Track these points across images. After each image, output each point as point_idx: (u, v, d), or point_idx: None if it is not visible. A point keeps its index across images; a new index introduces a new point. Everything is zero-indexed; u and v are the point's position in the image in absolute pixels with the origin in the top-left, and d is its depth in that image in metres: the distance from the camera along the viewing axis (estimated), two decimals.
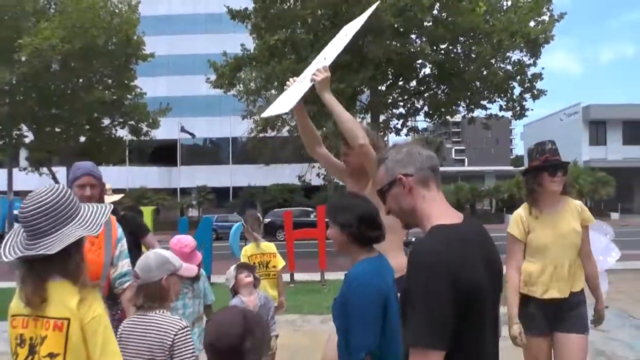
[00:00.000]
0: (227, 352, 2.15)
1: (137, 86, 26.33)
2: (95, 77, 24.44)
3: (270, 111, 3.99)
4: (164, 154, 47.01)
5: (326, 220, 2.84)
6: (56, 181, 24.73)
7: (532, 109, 22.29)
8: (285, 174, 41.14)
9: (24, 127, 24.27)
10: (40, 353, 2.17)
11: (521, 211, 4.00)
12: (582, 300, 3.89)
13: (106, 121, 26.51)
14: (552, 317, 3.82)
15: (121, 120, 26.81)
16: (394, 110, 23.48)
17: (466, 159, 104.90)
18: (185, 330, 2.79)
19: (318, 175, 35.12)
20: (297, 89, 3.74)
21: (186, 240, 4.23)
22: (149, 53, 26.29)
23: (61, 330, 2.16)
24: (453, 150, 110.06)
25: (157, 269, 2.89)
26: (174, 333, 2.73)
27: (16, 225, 2.33)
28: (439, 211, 2.04)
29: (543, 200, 3.86)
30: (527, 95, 21.29)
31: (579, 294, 3.88)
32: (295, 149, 35.31)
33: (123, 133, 27.93)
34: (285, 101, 3.77)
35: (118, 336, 2.67)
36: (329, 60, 3.70)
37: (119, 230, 3.79)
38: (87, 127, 25.63)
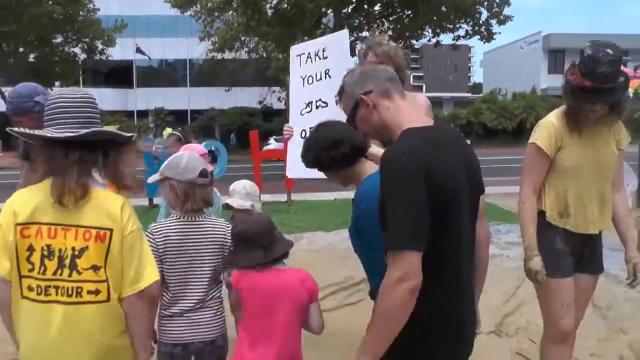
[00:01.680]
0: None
1: (90, 1, 25.14)
2: None
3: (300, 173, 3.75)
4: (119, 75, 45.60)
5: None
6: (6, 102, 23.78)
7: (500, 32, 22.05)
8: (245, 97, 40.57)
9: None
10: (79, 266, 2.05)
11: (554, 119, 3.12)
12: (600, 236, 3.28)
13: (59, 38, 25.33)
14: (579, 255, 3.19)
15: (74, 37, 25.67)
16: (359, 34, 23.06)
17: (424, 86, 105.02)
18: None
19: (279, 99, 34.82)
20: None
21: (199, 148, 4.29)
22: None
23: (103, 242, 2.07)
24: (411, 76, 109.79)
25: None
26: (229, 234, 2.88)
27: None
28: (408, 118, 2.04)
29: (585, 119, 3.02)
30: (493, 21, 21.15)
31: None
32: (255, 72, 34.71)
33: (77, 52, 26.84)
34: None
35: (171, 241, 2.75)
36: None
37: None
38: (37, 44, 24.45)
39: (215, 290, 2.93)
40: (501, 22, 21.05)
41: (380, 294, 1.84)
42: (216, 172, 4.54)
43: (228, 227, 2.95)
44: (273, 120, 41.02)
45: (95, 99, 2.20)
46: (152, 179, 3.04)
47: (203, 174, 2.89)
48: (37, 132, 2.07)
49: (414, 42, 23.48)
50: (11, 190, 2.27)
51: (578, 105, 2.96)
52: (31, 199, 2.08)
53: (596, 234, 3.20)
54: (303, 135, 3.74)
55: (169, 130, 6.30)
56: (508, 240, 7.73)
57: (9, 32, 22.03)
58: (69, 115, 2.07)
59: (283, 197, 12.03)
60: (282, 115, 40.49)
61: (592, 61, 2.83)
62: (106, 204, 2.09)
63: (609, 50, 2.82)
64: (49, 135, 2.04)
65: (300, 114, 3.99)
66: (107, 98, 43.29)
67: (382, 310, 1.84)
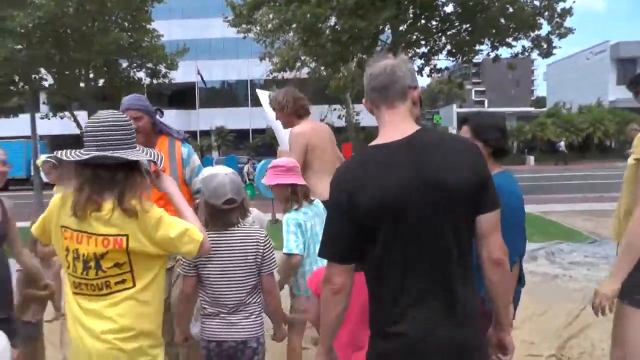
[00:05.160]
0: None
1: (154, 29, 26.00)
2: (111, 19, 24.08)
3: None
4: (182, 97, 46.86)
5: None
6: (79, 125, 24.83)
7: (560, 47, 20.98)
8: None
9: (43, 71, 24.13)
10: (104, 266, 2.30)
11: None
12: None
13: (124, 64, 26.26)
14: None
15: (139, 62, 26.56)
16: (416, 50, 22.87)
17: (486, 101, 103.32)
18: (269, 237, 3.17)
19: (339, 117, 34.91)
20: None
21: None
22: None
23: (121, 246, 2.28)
24: (473, 91, 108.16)
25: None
26: (263, 241, 3.09)
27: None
28: (381, 132, 2.12)
29: None
30: (554, 36, 20.43)
31: None
32: (316, 90, 35.01)
33: (142, 76, 27.74)
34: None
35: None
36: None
37: (184, 151, 4.03)
38: (105, 69, 25.41)
39: (255, 294, 3.12)
40: (562, 36, 20.26)
41: None
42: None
43: (262, 234, 3.13)
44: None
45: (124, 122, 2.35)
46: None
47: (229, 201, 3.03)
48: (66, 155, 2.30)
49: (472, 57, 22.95)
50: None
51: None
52: (65, 205, 2.35)
53: None
54: None
55: (42, 157, 6.27)
56: (572, 260, 7.48)
57: (80, 59, 22.97)
58: (92, 138, 2.29)
59: None
60: (342, 132, 40.67)
61: None
62: (114, 212, 2.26)
63: None
64: (63, 157, 2.29)
65: None
66: (171, 119, 44.34)
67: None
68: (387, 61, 2.15)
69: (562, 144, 38.18)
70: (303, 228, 3.64)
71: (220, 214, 3.06)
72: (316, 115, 37.55)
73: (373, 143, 2.10)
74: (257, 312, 3.12)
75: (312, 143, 4.44)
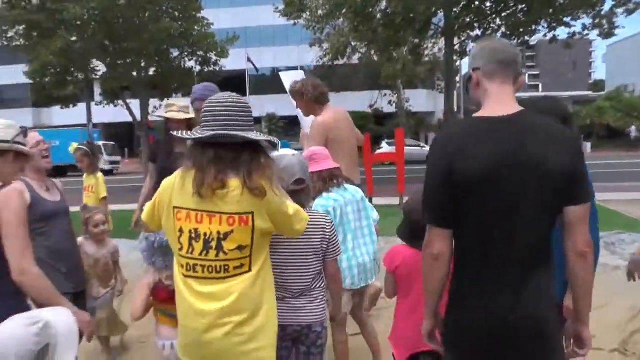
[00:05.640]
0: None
1: (204, 18, 26.31)
2: (161, 9, 24.47)
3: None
4: (232, 84, 47.08)
5: None
6: (131, 113, 25.39)
7: (623, 27, 19.55)
8: (356, 101, 40.77)
9: (96, 62, 24.77)
10: (225, 247, 2.31)
11: None
12: None
13: (175, 52, 26.68)
14: None
15: (190, 51, 26.95)
16: (470, 33, 22.30)
17: (540, 85, 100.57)
18: (333, 223, 3.18)
19: (390, 102, 34.61)
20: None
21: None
22: None
23: (247, 224, 2.31)
24: (527, 75, 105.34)
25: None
26: (328, 227, 3.09)
27: None
28: (489, 104, 2.18)
29: None
30: (620, 10, 18.94)
31: None
32: (366, 76, 34.79)
33: (192, 64, 28.11)
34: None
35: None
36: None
37: None
38: (157, 58, 25.87)
39: (319, 280, 3.11)
40: (630, 12, 18.72)
41: None
42: None
43: (327, 219, 3.13)
44: (384, 124, 40.85)
45: (244, 105, 2.39)
46: None
47: (299, 181, 3.02)
48: (185, 134, 2.38)
49: (527, 38, 22.05)
50: (135, 192, 2.46)
51: None
52: (183, 185, 2.35)
53: None
54: None
55: (75, 145, 6.39)
56: (633, 250, 7.13)
57: (132, 49, 23.45)
58: (212, 119, 2.32)
59: (395, 201, 11.81)
60: (393, 118, 40.35)
61: None
62: (241, 191, 2.28)
63: None
64: (185, 136, 2.35)
65: None
66: None
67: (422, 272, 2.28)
68: (507, 41, 2.31)
69: (634, 128, 36.78)
70: (332, 215, 3.66)
71: (289, 196, 2.97)
72: (366, 101, 37.42)
73: (477, 115, 2.18)
74: (320, 297, 3.11)
75: (332, 135, 4.56)
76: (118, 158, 38.14)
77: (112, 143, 37.10)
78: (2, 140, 2.73)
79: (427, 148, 37.93)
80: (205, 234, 2.31)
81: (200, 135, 2.29)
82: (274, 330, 2.52)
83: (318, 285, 3.10)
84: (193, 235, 2.33)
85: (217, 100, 2.36)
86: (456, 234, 2.17)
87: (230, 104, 2.35)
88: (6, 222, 2.62)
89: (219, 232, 2.30)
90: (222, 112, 2.32)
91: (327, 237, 3.07)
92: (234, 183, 2.28)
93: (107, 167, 34.08)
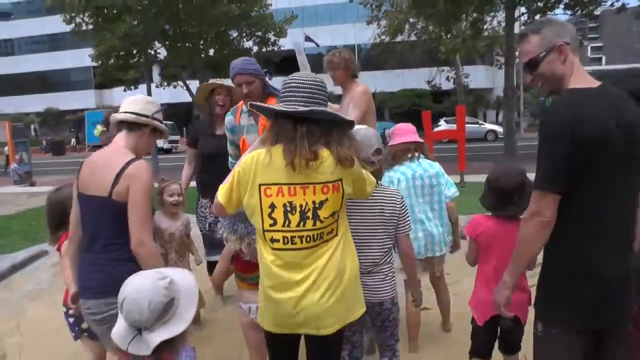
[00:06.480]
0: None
1: None
2: None
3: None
4: (290, 64, 47.00)
5: None
6: (190, 93, 25.87)
7: None
8: (413, 78, 40.23)
9: (157, 45, 25.24)
10: (322, 216, 2.43)
11: None
12: None
13: (234, 34, 26.94)
14: None
15: (248, 32, 27.15)
16: (531, 6, 21.57)
17: (604, 57, 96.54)
18: (403, 197, 3.21)
19: (447, 79, 34.04)
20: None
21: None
22: None
23: (338, 191, 2.46)
24: (589, 48, 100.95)
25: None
26: (399, 201, 3.13)
27: None
28: (578, 78, 2.30)
29: None
30: None
31: None
32: (424, 53, 34.24)
33: (250, 45, 28.33)
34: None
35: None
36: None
37: None
38: (216, 40, 26.18)
39: (388, 256, 3.15)
40: None
41: (520, 225, 2.33)
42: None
43: (398, 193, 3.18)
44: (443, 101, 40.22)
45: (323, 84, 2.54)
46: None
47: (378, 151, 3.08)
48: (270, 106, 2.52)
49: (592, 8, 20.95)
50: None
51: None
52: (270, 161, 2.43)
53: None
54: None
55: (99, 128, 6.44)
56: None
57: (192, 32, 23.81)
58: (298, 94, 2.45)
59: (456, 179, 11.76)
60: (451, 95, 39.65)
61: None
62: (331, 160, 2.42)
63: None
64: (277, 109, 2.44)
65: None
66: (280, 84, 45.43)
67: (520, 238, 2.34)
68: None
69: None
70: (394, 186, 3.90)
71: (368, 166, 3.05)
72: (424, 77, 36.89)
73: (577, 86, 2.28)
74: (390, 275, 3.16)
75: (370, 106, 4.75)
76: (177, 137, 39.45)
77: (170, 122, 38.03)
78: (141, 114, 2.91)
79: (486, 125, 36.69)
80: (301, 206, 2.41)
81: (297, 109, 2.39)
82: (359, 287, 2.66)
83: (387, 261, 3.14)
84: (288, 209, 2.42)
85: (303, 79, 2.49)
86: (566, 202, 2.22)
87: (315, 82, 2.49)
88: (134, 194, 2.71)
89: (314, 202, 2.41)
90: (308, 89, 2.45)
91: (398, 211, 3.11)
92: (325, 153, 2.41)
93: (166, 146, 35.28)
